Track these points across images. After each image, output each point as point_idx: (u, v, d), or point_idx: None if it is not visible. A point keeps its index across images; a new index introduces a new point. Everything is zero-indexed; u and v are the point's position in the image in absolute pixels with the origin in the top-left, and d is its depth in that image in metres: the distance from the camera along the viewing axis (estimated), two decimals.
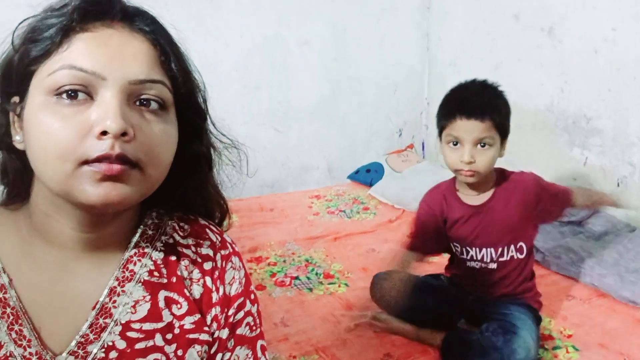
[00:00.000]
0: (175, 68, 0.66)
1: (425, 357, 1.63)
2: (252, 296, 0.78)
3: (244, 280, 0.76)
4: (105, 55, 0.60)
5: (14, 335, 0.62)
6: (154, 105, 0.63)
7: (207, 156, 0.75)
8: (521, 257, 1.65)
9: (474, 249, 1.66)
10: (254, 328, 0.77)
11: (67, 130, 0.57)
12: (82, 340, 0.64)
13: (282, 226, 2.56)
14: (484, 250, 1.65)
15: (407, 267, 1.69)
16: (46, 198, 0.64)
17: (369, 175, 3.14)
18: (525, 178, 1.66)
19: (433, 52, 3.42)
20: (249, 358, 0.75)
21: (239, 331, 0.75)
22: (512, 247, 1.64)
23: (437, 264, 2.19)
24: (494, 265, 1.66)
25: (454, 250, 1.72)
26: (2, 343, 0.61)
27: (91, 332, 0.65)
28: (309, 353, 1.62)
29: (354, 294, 1.97)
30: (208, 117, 0.74)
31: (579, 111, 2.53)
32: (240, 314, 0.75)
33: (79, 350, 0.64)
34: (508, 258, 1.64)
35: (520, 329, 1.54)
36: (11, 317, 0.63)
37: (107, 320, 0.66)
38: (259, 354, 0.77)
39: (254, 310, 0.77)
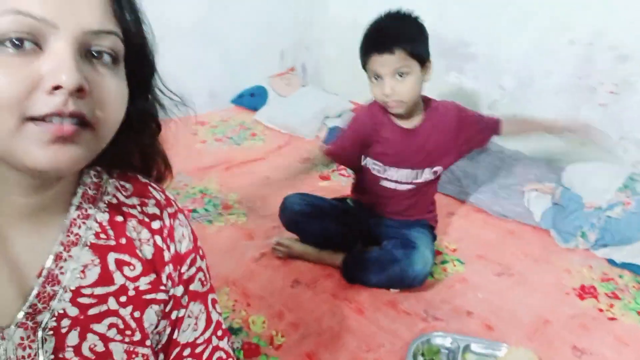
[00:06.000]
0: (130, 18, 0.60)
1: (329, 280, 1.71)
2: (201, 252, 0.77)
3: (192, 237, 0.75)
4: (56, 0, 0.53)
5: None
6: (106, 58, 0.57)
7: (154, 113, 0.70)
8: (432, 178, 1.75)
9: (393, 168, 1.73)
10: (205, 283, 0.77)
11: (13, 83, 0.51)
12: (30, 310, 0.60)
13: (168, 157, 2.42)
14: (402, 170, 1.72)
15: (315, 170, 1.83)
16: None
17: (253, 99, 3.07)
18: (447, 106, 1.75)
19: None
20: (202, 312, 0.76)
21: (191, 287, 0.74)
22: (429, 169, 1.74)
23: (330, 188, 2.26)
24: (406, 187, 1.75)
25: (371, 168, 1.75)
26: None
27: (39, 301, 0.61)
28: (220, 287, 1.62)
29: (255, 223, 1.97)
30: (156, 71, 0.69)
31: (456, 37, 2.65)
32: (192, 270, 0.74)
33: (28, 321, 0.60)
34: (422, 180, 1.74)
35: (419, 245, 1.67)
36: None
37: (56, 288, 0.62)
38: (210, 307, 0.78)
39: (203, 265, 0.77)
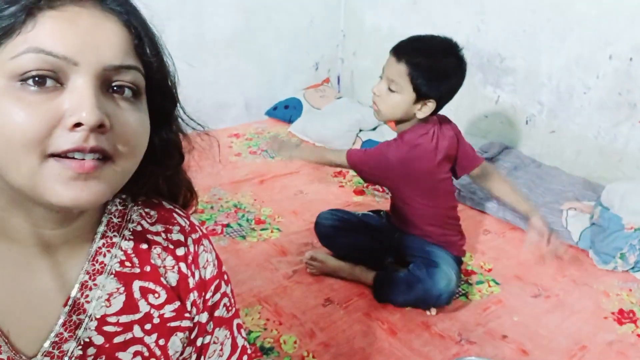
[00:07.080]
0: (150, 53, 0.61)
1: (362, 299, 1.70)
2: (226, 277, 0.77)
3: (216, 262, 0.75)
4: (77, 38, 0.54)
5: None
6: (127, 92, 0.58)
7: (177, 143, 0.71)
8: (422, 202, 1.69)
9: None
10: (230, 308, 0.77)
11: (35, 120, 0.52)
12: (57, 339, 0.61)
13: (203, 169, 2.45)
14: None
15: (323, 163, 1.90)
16: (3, 193, 0.58)
17: (287, 111, 3.08)
18: (422, 138, 1.62)
19: None
20: (228, 338, 0.76)
21: (216, 313, 0.75)
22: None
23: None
24: (402, 204, 1.74)
25: None
26: None
27: (65, 330, 0.62)
28: (252, 304, 1.63)
29: (288, 239, 1.98)
30: (178, 102, 0.70)
31: (493, 50, 2.61)
32: (217, 296, 0.74)
33: (54, 350, 0.61)
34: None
35: (441, 264, 1.65)
36: None
37: (81, 317, 0.63)
38: (236, 333, 0.78)
39: (228, 290, 0.77)
